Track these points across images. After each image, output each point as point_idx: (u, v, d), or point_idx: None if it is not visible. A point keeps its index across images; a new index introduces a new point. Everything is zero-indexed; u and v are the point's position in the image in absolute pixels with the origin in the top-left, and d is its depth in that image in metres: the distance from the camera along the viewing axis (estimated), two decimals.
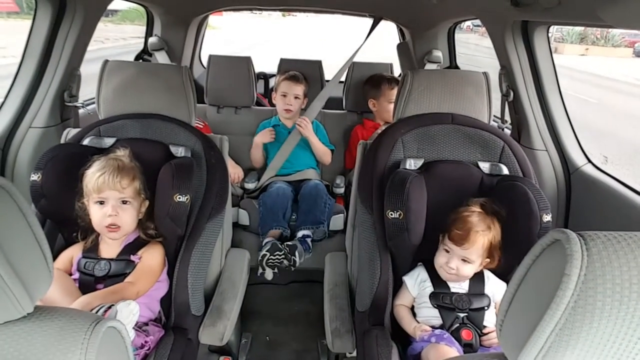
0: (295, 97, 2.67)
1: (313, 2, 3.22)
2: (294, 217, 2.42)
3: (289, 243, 2.20)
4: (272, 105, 2.88)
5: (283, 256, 2.16)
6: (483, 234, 1.47)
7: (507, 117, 2.33)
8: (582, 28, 15.73)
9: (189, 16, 3.35)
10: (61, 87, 2.11)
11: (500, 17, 2.04)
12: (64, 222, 1.62)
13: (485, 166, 1.71)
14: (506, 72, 2.19)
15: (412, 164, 1.70)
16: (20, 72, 2.04)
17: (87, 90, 2.24)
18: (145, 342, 1.41)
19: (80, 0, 1.98)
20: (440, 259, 1.53)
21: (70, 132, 1.81)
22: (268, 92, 3.90)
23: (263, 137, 2.66)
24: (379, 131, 2.19)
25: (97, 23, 2.17)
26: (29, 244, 0.78)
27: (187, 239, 1.62)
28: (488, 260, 1.52)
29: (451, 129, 1.75)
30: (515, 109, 2.24)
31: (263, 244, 2.25)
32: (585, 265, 0.61)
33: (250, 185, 2.59)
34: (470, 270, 1.51)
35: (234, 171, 2.63)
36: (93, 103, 2.16)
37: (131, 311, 1.32)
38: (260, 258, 2.16)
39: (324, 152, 2.65)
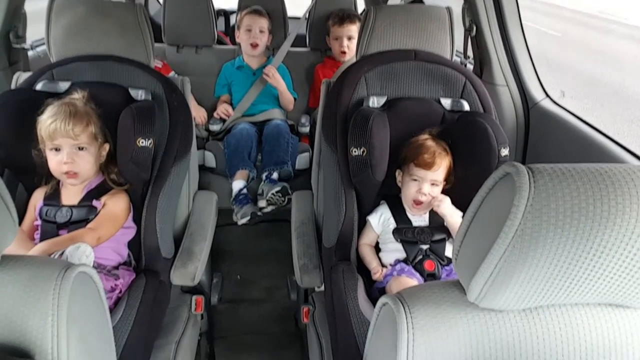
0: (261, 31, 2.58)
1: None
2: (260, 157, 2.42)
3: (264, 202, 2.24)
4: (234, 44, 2.79)
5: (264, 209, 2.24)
6: (445, 155, 1.56)
7: (470, 52, 2.34)
8: None
9: None
10: (5, 27, 1.98)
11: None
12: (22, 170, 1.58)
13: (446, 102, 1.73)
14: (469, 7, 2.17)
15: (375, 102, 1.70)
16: None
17: (33, 29, 2.12)
18: (115, 285, 1.42)
19: None
20: (410, 190, 1.56)
21: (20, 77, 1.72)
22: (229, 30, 3.76)
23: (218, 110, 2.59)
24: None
25: None
26: None
27: (152, 184, 1.60)
28: (445, 182, 1.58)
29: (414, 65, 1.75)
30: (477, 44, 2.24)
31: (234, 194, 2.26)
32: (532, 197, 0.65)
33: (215, 127, 2.54)
34: (438, 193, 1.56)
35: (198, 113, 2.57)
36: (42, 45, 2.05)
37: (83, 253, 1.30)
38: (240, 224, 2.23)
39: (289, 101, 2.61)
